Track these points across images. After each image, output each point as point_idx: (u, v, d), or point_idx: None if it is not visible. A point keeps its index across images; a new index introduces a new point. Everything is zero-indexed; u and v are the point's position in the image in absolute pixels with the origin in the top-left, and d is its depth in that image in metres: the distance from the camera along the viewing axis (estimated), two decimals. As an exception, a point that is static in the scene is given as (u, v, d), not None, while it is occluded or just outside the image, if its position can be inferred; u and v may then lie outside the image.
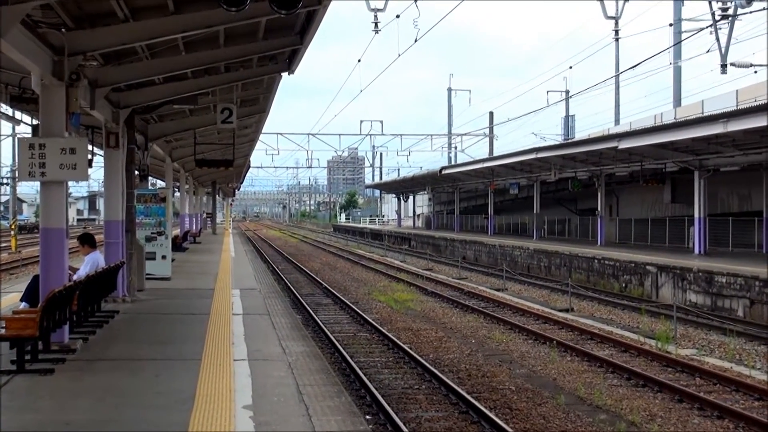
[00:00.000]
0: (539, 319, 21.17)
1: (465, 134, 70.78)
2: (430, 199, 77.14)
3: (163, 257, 21.00)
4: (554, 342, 17.15)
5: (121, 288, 15.58)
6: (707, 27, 37.14)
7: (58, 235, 10.57)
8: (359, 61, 41.08)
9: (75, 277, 11.81)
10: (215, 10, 10.99)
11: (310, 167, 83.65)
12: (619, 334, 18.61)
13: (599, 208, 39.51)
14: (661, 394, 12.97)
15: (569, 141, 52.47)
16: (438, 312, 22.82)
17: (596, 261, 30.92)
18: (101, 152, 18.74)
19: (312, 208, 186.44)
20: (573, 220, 48.98)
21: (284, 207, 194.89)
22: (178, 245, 32.75)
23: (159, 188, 26.97)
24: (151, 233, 21.03)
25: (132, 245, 16.69)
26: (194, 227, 48.08)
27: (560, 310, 23.01)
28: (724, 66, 37.50)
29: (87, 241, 12.95)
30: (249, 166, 57.93)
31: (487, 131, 68.52)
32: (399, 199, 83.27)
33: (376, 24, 32.34)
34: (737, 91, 39.50)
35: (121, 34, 11.38)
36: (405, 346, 16.33)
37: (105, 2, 10.73)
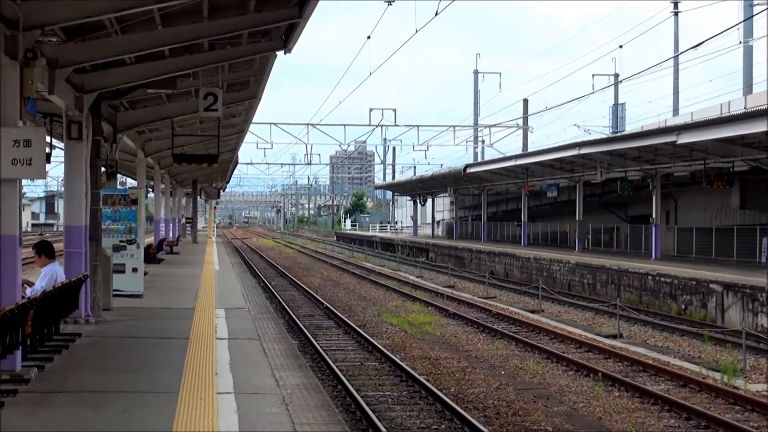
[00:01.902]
0: (581, 347, 21.12)
1: (494, 126, 70.86)
2: (452, 203, 77.06)
3: (134, 270, 21.03)
4: (599, 374, 17.09)
5: (84, 307, 15.60)
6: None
7: (10, 244, 10.58)
8: (369, 38, 41.11)
9: (29, 293, 11.83)
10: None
11: (310, 164, 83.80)
12: (677, 365, 18.54)
13: (654, 215, 39.39)
14: (727, 438, 12.90)
15: (618, 134, 52.40)
16: (461, 337, 22.80)
17: (650, 277, 30.83)
18: (61, 145, 18.81)
19: (311, 212, 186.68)
20: (622, 229, 48.84)
21: (278, 211, 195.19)
22: (151, 256, 32.82)
23: (130, 188, 27.05)
24: (120, 241, 21.06)
25: (97, 256, 16.72)
26: (171, 235, 48.14)
27: (607, 337, 22.95)
28: (804, 45, 37.34)
29: (44, 251, 12.98)
30: (237, 163, 58.08)
31: (520, 122, 68.54)
32: (415, 203, 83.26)
33: (389, -6, 32.37)
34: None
35: (86, 5, 11.39)
36: (421, 378, 16.31)
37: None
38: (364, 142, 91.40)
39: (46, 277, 12.58)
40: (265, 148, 67.26)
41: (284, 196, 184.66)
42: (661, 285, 30.06)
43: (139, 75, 16.10)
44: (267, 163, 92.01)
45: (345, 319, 25.14)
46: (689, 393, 16.00)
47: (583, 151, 38.10)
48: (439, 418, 13.75)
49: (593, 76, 65.00)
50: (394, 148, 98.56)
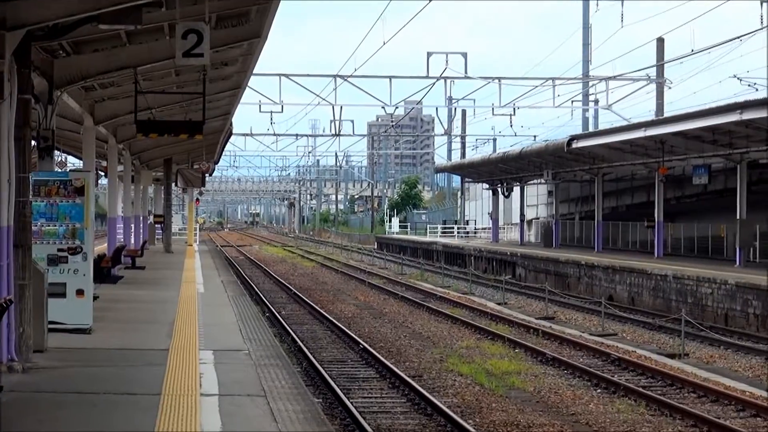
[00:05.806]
0: (746, 409, 20.99)
1: (613, 78, 70.34)
2: (550, 194, 76.93)
3: (80, 293, 21.08)
4: (775, 451, 16.97)
5: (6, 347, 15.66)
6: None
7: None
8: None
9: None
10: None
11: (338, 135, 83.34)
12: None
13: None
14: None
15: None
16: (564, 394, 22.71)
17: None
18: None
19: (341, 207, 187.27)
20: (806, 233, 48.52)
21: (291, 205, 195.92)
22: (105, 272, 32.96)
23: (72, 171, 27.18)
24: (59, 250, 21.14)
25: (25, 271, 16.77)
26: (134, 240, 48.41)
27: (786, 395, 22.78)
28: None
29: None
30: (231, 134, 58.34)
31: (651, 73, 68.12)
32: (495, 193, 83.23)
33: None
34: None
35: None
36: (506, 456, 16.29)
37: None
38: (419, 102, 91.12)
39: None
40: (272, 111, 67.37)
41: (300, 183, 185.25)
42: None
43: (87, 3, 16.12)
44: (275, 134, 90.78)
45: (391, 366, 25.11)
46: None
47: (747, 115, 37.82)
48: None
49: (762, 4, 64.14)
50: (464, 112, 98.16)
